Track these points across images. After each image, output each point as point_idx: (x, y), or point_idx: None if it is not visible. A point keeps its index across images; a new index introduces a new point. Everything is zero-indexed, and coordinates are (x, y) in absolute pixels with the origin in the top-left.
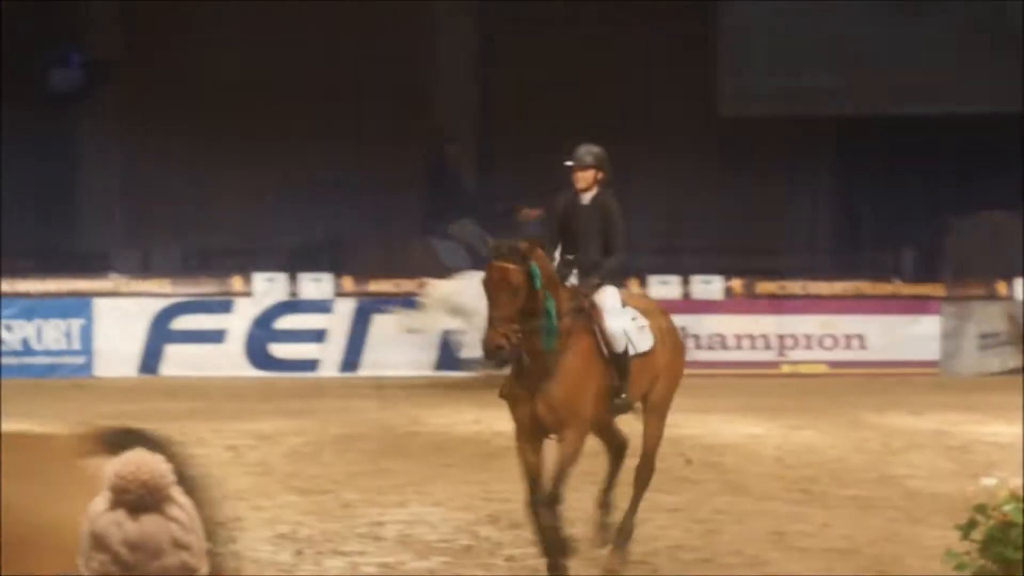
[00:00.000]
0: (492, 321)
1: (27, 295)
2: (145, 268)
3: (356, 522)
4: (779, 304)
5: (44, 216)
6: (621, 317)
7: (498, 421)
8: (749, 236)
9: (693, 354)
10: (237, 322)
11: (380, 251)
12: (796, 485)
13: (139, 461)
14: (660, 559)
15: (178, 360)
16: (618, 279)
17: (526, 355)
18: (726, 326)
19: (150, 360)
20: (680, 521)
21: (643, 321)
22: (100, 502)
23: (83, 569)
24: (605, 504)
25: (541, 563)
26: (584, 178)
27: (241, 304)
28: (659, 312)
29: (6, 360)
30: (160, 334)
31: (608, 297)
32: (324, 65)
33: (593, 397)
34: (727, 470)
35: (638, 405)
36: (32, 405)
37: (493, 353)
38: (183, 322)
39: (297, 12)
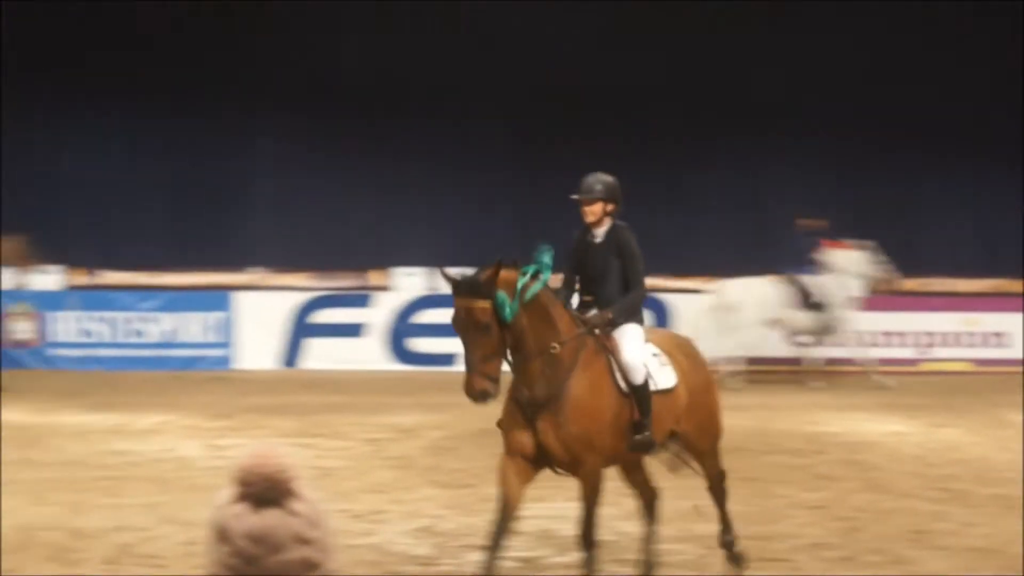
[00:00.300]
0: (470, 364)
1: (169, 288)
2: (286, 262)
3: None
4: (921, 301)
5: (188, 210)
6: (640, 349)
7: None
8: (891, 233)
9: (835, 352)
10: (376, 316)
11: (518, 247)
12: (938, 483)
13: (264, 455)
14: (801, 556)
15: (318, 353)
16: (635, 316)
17: (523, 386)
18: (867, 323)
19: (290, 353)
20: (821, 519)
21: (665, 359)
22: (225, 494)
23: (207, 560)
24: (647, 562)
25: (686, 559)
26: (593, 212)
27: (380, 298)
28: (684, 349)
29: (147, 352)
30: (300, 327)
31: (627, 331)
32: (471, 64)
33: (609, 430)
34: (869, 468)
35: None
36: (174, 397)
37: (479, 398)
38: (323, 316)
39: (424, 13)
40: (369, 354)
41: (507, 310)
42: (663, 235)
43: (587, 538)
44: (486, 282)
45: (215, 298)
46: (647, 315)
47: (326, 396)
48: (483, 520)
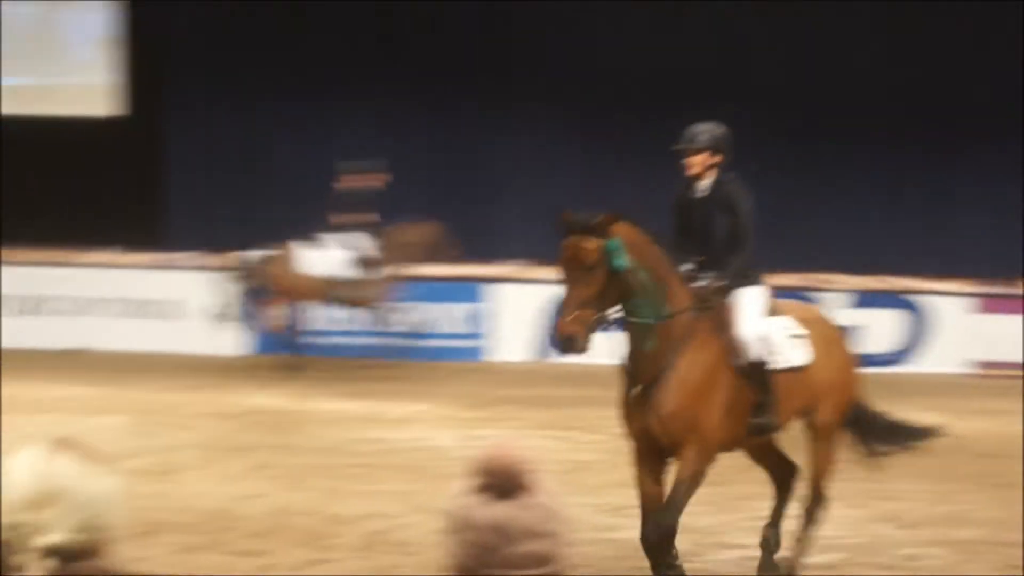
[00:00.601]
0: (564, 307)
1: (427, 278)
2: (544, 255)
3: (749, 515)
4: None
5: (447, 199)
6: (761, 322)
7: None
8: None
9: None
10: None
11: (772, 243)
12: None
13: (503, 447)
14: None
15: None
16: (750, 278)
17: (632, 362)
18: None
19: (545, 345)
20: None
21: (799, 331)
22: (464, 485)
23: (446, 547)
24: (769, 542)
25: (939, 564)
26: (695, 163)
27: None
28: (823, 323)
29: (402, 341)
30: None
31: (745, 299)
32: (745, 57)
33: (719, 411)
34: None
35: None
36: (428, 386)
37: (564, 343)
38: None
39: (699, 6)
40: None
41: (618, 258)
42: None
43: (666, 526)
44: (600, 223)
45: (470, 289)
46: (902, 316)
47: (581, 389)
48: (734, 517)
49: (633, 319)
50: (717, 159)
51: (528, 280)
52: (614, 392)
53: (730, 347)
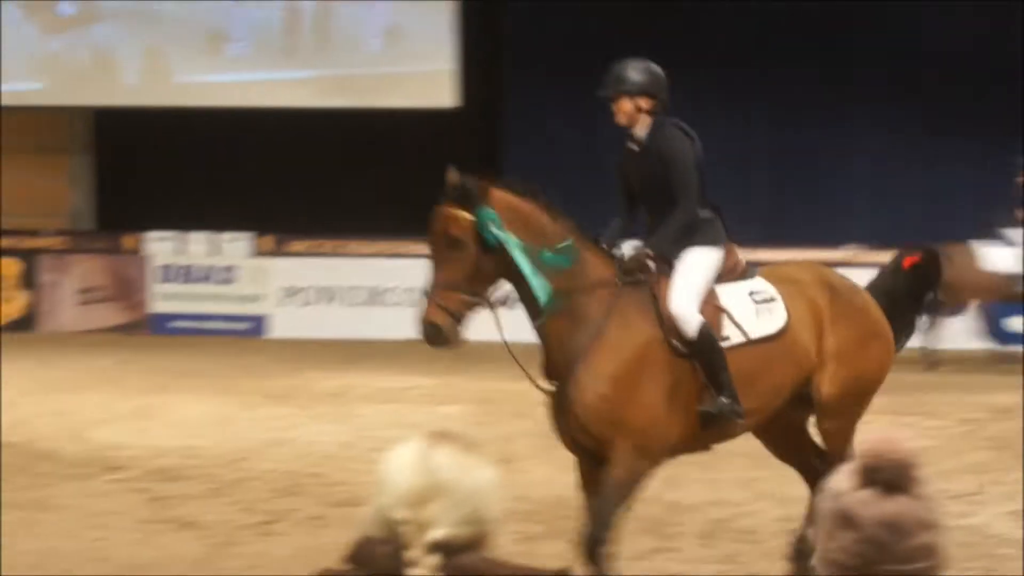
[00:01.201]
0: (430, 289)
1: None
2: (885, 239)
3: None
4: None
5: (788, 184)
6: (693, 290)
7: None
8: None
9: None
10: None
11: None
12: None
13: (891, 440)
14: None
15: None
16: (702, 237)
17: (541, 346)
18: None
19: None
20: None
21: (770, 293)
22: (845, 480)
23: (823, 547)
24: (795, 553)
25: None
26: (623, 110)
27: None
28: (827, 283)
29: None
30: None
31: (687, 263)
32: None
33: (657, 402)
34: None
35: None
36: None
37: (428, 334)
38: None
39: None
40: (961, 332)
41: (491, 231)
42: None
43: (594, 538)
44: (479, 191)
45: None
46: None
47: (920, 375)
48: None
49: (525, 304)
50: (649, 104)
51: (866, 265)
52: (953, 377)
53: (665, 324)
